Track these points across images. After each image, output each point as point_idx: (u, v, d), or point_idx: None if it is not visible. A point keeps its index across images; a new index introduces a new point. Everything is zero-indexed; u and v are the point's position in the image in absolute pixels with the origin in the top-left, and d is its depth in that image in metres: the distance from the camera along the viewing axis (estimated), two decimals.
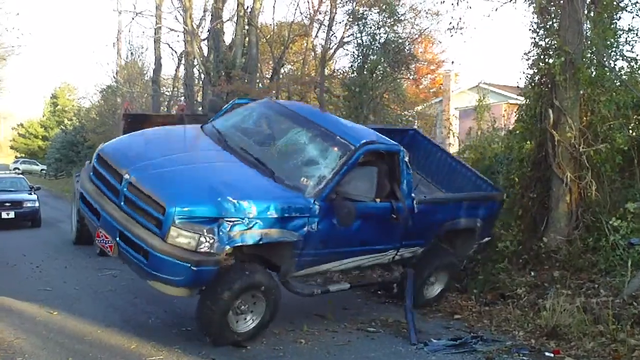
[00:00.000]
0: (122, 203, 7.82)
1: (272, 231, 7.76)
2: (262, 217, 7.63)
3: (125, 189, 7.78)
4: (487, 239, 11.02)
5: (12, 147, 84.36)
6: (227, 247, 7.45)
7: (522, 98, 11.83)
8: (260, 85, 27.94)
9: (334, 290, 9.23)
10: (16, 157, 79.29)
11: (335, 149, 8.67)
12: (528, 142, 11.02)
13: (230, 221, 7.39)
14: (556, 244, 10.52)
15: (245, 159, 8.60)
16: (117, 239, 7.72)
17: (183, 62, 35.80)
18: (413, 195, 9.35)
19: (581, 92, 10.76)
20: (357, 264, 9.09)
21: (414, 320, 8.87)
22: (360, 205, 8.43)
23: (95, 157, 8.61)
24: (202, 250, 7.27)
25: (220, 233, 7.32)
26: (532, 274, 10.41)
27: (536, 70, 11.25)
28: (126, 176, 7.83)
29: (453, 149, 23.07)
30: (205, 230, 7.27)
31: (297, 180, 8.32)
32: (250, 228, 7.54)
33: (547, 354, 7.66)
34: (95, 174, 8.48)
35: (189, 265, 7.24)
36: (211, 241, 7.28)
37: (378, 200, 8.88)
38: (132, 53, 45.00)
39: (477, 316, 9.61)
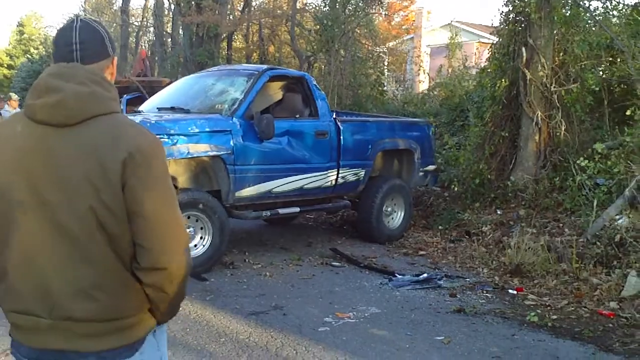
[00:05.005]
0: None
1: (199, 145, 8.11)
2: (185, 133, 7.96)
3: None
4: (432, 166, 11.30)
5: None
6: None
7: (495, 38, 11.73)
8: (231, 17, 27.41)
9: (284, 213, 9.37)
10: None
11: (242, 78, 9.33)
12: (500, 81, 10.92)
13: None
14: (523, 182, 10.53)
15: (161, 112, 9.02)
16: None
17: None
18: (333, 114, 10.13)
19: (555, 31, 10.65)
20: (298, 185, 9.17)
21: None
22: (282, 122, 8.97)
23: None
24: None
25: None
26: (498, 212, 10.44)
27: (511, 8, 11.09)
28: None
29: (423, 85, 23.02)
30: None
31: (212, 109, 8.91)
32: (175, 144, 7.79)
33: (510, 291, 7.69)
34: None
35: None
36: None
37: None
38: None
39: (442, 253, 9.63)
